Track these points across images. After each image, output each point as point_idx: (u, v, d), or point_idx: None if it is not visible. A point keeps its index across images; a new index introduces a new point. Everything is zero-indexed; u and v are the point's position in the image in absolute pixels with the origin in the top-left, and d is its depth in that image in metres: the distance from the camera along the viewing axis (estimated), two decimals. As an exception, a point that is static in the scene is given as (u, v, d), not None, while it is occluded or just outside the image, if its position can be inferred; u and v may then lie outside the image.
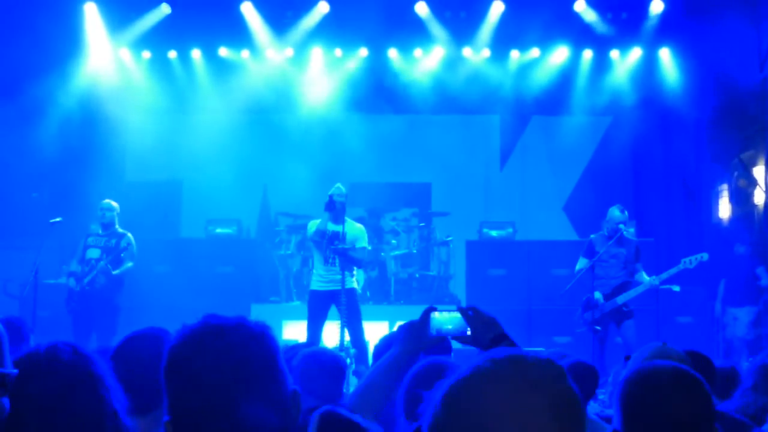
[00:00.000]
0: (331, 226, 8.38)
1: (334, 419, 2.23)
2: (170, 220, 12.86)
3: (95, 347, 3.09)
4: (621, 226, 8.58)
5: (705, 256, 8.41)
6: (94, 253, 9.07)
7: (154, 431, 2.57)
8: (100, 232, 9.26)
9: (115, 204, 9.28)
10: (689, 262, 8.41)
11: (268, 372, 1.56)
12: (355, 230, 8.52)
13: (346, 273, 8.31)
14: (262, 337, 1.58)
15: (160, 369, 2.47)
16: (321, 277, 8.51)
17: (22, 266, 9.60)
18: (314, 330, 8.45)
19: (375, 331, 8.31)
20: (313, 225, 8.55)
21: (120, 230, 9.24)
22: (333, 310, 8.49)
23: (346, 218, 8.46)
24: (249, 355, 1.55)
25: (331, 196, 8.32)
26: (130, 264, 9.11)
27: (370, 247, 8.51)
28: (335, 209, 8.30)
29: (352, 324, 8.35)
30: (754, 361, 4.14)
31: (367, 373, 2.59)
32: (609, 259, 8.57)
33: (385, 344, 4.28)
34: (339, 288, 8.26)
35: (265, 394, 1.54)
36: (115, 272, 8.95)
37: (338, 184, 8.54)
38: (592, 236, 8.86)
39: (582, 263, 8.68)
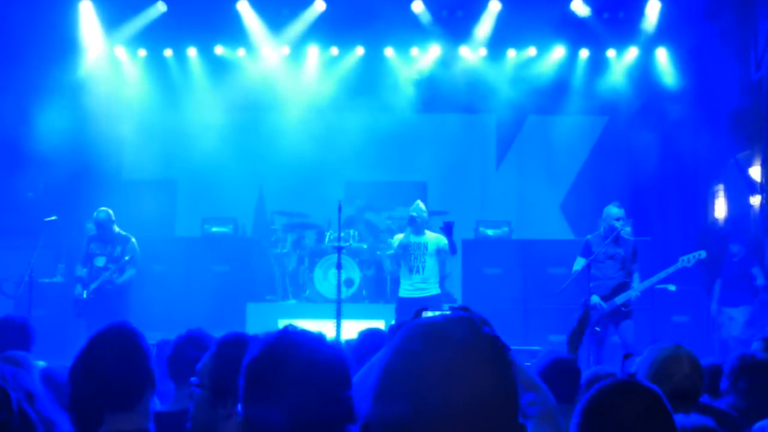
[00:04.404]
0: (414, 239, 8.98)
1: None
2: (166, 218, 12.83)
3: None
4: (619, 223, 8.49)
5: (703, 253, 8.33)
6: (100, 261, 9.22)
7: (142, 422, 2.56)
8: (95, 233, 9.30)
9: (110, 211, 9.29)
10: (687, 260, 8.33)
11: (341, 386, 1.76)
12: (434, 239, 9.04)
13: (431, 280, 8.95)
14: (338, 353, 1.80)
15: (137, 364, 2.47)
16: (409, 286, 9.01)
17: (18, 265, 9.57)
18: None
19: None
20: (396, 240, 9.19)
21: (122, 233, 9.31)
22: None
23: (425, 230, 9.04)
24: (327, 367, 1.75)
25: (412, 215, 8.97)
26: (132, 271, 9.27)
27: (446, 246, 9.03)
28: (416, 224, 8.94)
29: None
30: (740, 361, 4.11)
31: (356, 374, 2.58)
32: (605, 259, 8.46)
33: (364, 340, 4.30)
34: (425, 295, 8.84)
35: (337, 404, 1.75)
36: (119, 281, 9.13)
37: (418, 201, 9.15)
38: (588, 236, 8.79)
39: (579, 264, 8.59)
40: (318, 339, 1.78)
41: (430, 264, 8.96)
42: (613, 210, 8.52)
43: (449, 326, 1.30)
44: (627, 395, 2.23)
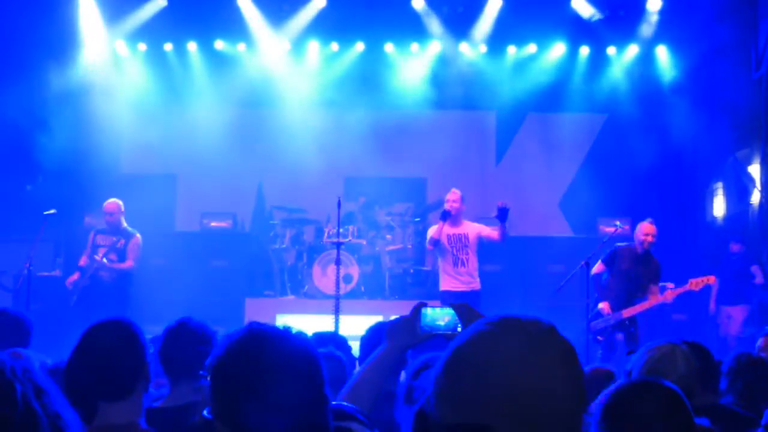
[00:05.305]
0: (450, 231, 8.79)
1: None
2: (165, 213, 12.82)
3: None
4: (652, 241, 8.23)
5: (711, 279, 8.16)
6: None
7: (133, 415, 2.58)
8: (103, 226, 9.32)
9: (119, 202, 9.28)
10: (695, 284, 8.12)
11: (317, 378, 1.73)
12: (473, 228, 8.88)
13: (475, 274, 8.80)
14: (309, 346, 1.76)
15: (131, 354, 2.49)
16: (454, 279, 8.82)
17: (16, 259, 9.57)
18: None
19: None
20: (428, 234, 9.01)
21: (129, 229, 9.29)
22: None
23: (462, 221, 8.88)
24: (302, 361, 1.72)
25: (445, 210, 8.81)
26: (131, 263, 9.19)
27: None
28: (449, 216, 8.75)
29: None
30: (737, 361, 4.11)
31: (356, 371, 2.56)
32: (630, 275, 8.22)
33: (373, 335, 4.30)
34: (473, 290, 8.71)
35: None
36: (113, 266, 9.04)
37: (453, 190, 8.98)
38: (618, 244, 8.49)
39: (597, 267, 8.41)
40: (287, 333, 1.72)
41: (473, 257, 8.82)
42: (645, 226, 8.30)
43: (530, 322, 1.32)
44: (647, 394, 2.23)
